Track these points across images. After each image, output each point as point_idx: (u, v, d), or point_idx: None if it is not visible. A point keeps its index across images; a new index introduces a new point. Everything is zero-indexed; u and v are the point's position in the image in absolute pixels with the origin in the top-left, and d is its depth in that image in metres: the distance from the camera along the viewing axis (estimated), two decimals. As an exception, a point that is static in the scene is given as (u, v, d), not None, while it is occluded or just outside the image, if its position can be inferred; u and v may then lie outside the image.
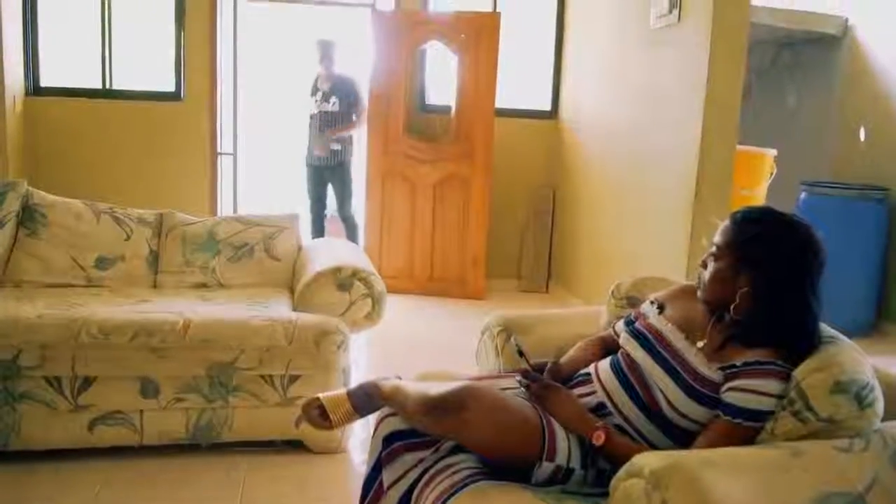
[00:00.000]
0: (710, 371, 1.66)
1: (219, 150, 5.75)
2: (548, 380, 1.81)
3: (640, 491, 1.37)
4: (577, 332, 2.15)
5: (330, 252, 3.35)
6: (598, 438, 1.63)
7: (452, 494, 1.59)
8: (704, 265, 1.78)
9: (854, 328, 3.64)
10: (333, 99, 5.68)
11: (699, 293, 1.79)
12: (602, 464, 1.66)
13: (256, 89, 7.36)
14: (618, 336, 1.92)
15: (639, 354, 1.78)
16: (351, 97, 5.72)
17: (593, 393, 1.79)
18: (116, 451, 2.76)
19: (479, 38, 5.43)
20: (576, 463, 1.64)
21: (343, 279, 3.00)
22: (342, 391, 2.00)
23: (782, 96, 6.02)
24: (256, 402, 2.80)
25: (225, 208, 5.88)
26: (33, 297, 2.95)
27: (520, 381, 1.81)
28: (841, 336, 1.68)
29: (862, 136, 5.35)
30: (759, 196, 4.73)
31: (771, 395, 1.57)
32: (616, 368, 1.80)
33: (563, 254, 5.81)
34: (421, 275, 5.65)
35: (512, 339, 2.07)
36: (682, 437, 1.67)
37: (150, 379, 2.71)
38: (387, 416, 1.87)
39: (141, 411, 2.73)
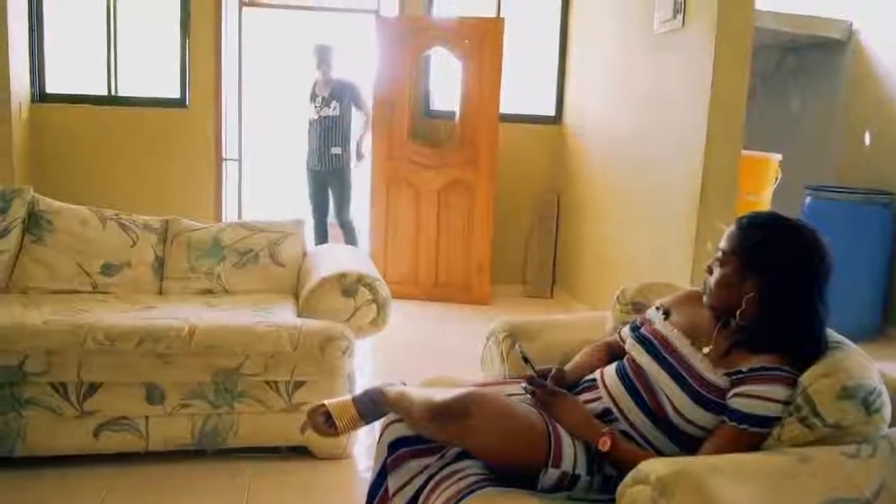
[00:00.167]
0: (716, 377, 1.66)
1: (224, 156, 5.77)
2: (553, 386, 1.80)
3: (646, 497, 1.36)
4: (583, 338, 2.15)
5: (335, 258, 3.35)
6: (604, 444, 1.63)
7: (458, 501, 1.59)
8: (710, 271, 1.78)
9: (860, 333, 3.63)
10: (334, 104, 5.69)
11: (705, 299, 1.79)
12: (608, 470, 1.65)
13: (261, 95, 7.39)
14: (623, 342, 1.92)
15: (644, 360, 1.78)
16: (353, 100, 5.73)
17: (599, 399, 1.79)
18: (122, 457, 2.76)
19: (482, 43, 5.44)
20: (582, 469, 1.64)
21: (348, 285, 3.00)
22: (347, 397, 2.01)
23: (787, 101, 6.01)
24: (262, 408, 2.80)
25: (230, 214, 5.89)
26: (39, 304, 2.95)
27: (525, 388, 1.81)
28: (847, 341, 1.68)
29: (867, 141, 5.34)
30: (764, 201, 4.72)
31: (777, 401, 1.56)
32: (622, 374, 1.80)
33: (567, 259, 5.81)
34: (425, 280, 5.65)
35: (517, 345, 2.06)
36: (688, 443, 1.67)
37: (155, 385, 2.71)
38: (392, 422, 1.87)
39: (146, 417, 2.73)
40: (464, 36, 5.47)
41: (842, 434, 1.51)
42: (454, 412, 1.63)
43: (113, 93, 5.56)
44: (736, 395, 1.61)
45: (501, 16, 5.74)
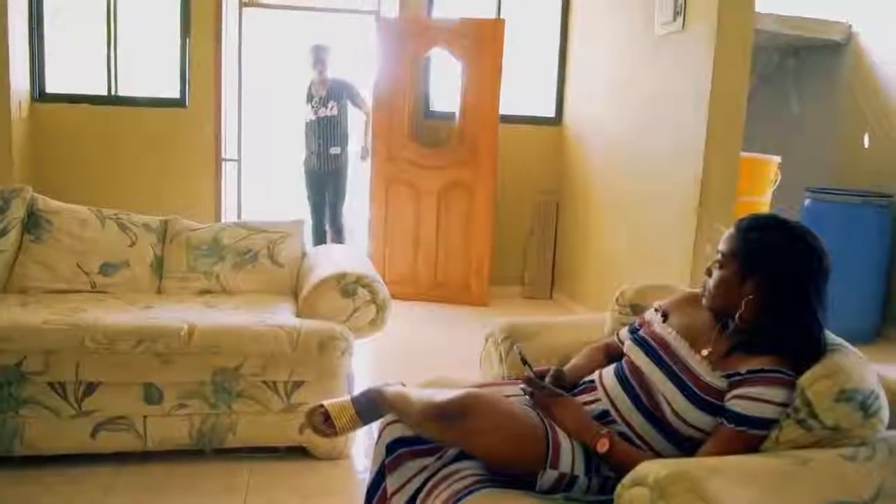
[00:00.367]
0: (714, 379, 1.66)
1: (223, 157, 5.77)
2: (552, 387, 1.80)
3: (644, 499, 1.37)
4: (581, 340, 2.15)
5: (334, 259, 3.35)
6: (603, 446, 1.63)
7: (456, 501, 1.59)
8: (709, 273, 1.78)
9: (858, 335, 3.63)
10: (331, 103, 5.69)
11: (704, 301, 1.79)
12: (606, 471, 1.65)
13: (260, 95, 7.38)
14: (622, 343, 1.92)
15: (643, 362, 1.78)
16: (351, 99, 5.73)
17: (597, 400, 1.79)
18: (120, 456, 2.76)
19: (483, 44, 5.44)
20: (580, 470, 1.64)
21: (347, 285, 3.00)
22: (346, 398, 2.01)
23: (787, 102, 6.02)
24: (260, 408, 2.80)
25: (229, 214, 5.89)
26: (38, 303, 2.95)
27: (524, 389, 1.81)
28: (846, 344, 1.68)
29: (866, 143, 5.34)
30: (763, 203, 4.73)
31: (776, 404, 1.56)
32: (620, 376, 1.80)
33: (566, 261, 5.81)
34: (424, 281, 5.65)
35: (515, 346, 2.06)
36: (686, 445, 1.67)
37: (153, 385, 2.71)
38: (391, 422, 1.87)
39: (145, 417, 2.73)
40: (464, 37, 5.47)
41: (840, 436, 1.51)
42: (453, 413, 1.63)
43: (113, 92, 5.55)
44: (734, 397, 1.61)
45: (502, 17, 5.74)
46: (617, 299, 2.26)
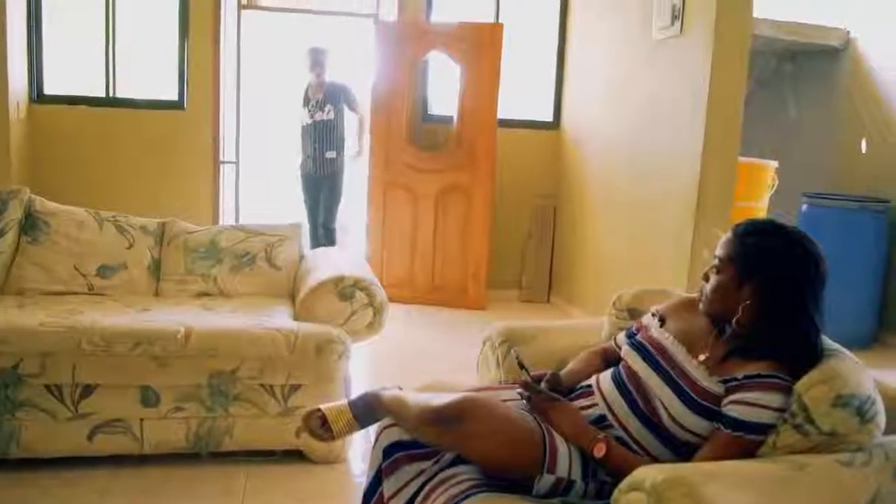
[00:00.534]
0: (711, 384, 1.66)
1: (221, 159, 5.77)
2: (549, 392, 1.80)
3: (641, 504, 1.37)
4: (579, 344, 2.15)
5: (331, 262, 3.35)
6: (600, 450, 1.63)
7: (453, 506, 1.59)
8: (707, 278, 1.78)
9: (855, 340, 3.64)
10: (328, 107, 5.68)
11: (701, 306, 1.79)
12: (603, 476, 1.65)
13: (259, 98, 7.38)
14: (619, 348, 1.92)
15: (640, 367, 1.78)
16: (347, 103, 5.72)
17: (594, 405, 1.79)
18: (116, 459, 2.75)
19: (481, 48, 5.44)
20: (577, 475, 1.64)
21: (344, 289, 3.00)
22: (343, 402, 2.01)
23: (784, 107, 6.03)
24: (257, 411, 2.80)
25: (227, 217, 5.89)
26: (35, 305, 2.95)
27: (521, 393, 1.81)
28: (843, 349, 1.68)
29: (863, 148, 5.35)
30: (760, 208, 4.74)
31: (772, 409, 1.57)
32: (617, 380, 1.80)
33: (564, 264, 5.81)
34: (422, 285, 5.65)
35: (513, 350, 2.07)
36: (683, 450, 1.67)
37: (150, 388, 2.71)
38: (388, 426, 1.87)
39: (141, 420, 2.73)
40: (463, 41, 5.47)
41: (836, 442, 1.51)
42: (449, 417, 1.63)
43: (111, 94, 5.55)
44: (731, 402, 1.61)
45: (500, 21, 5.75)
46: (614, 303, 2.26)
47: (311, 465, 2.87)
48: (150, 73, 5.71)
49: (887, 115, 5.18)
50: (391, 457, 1.81)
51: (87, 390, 2.66)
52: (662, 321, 1.87)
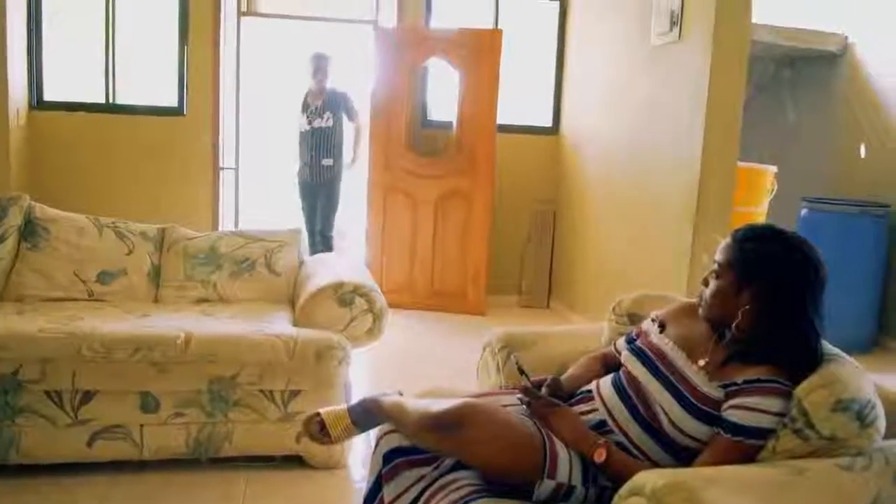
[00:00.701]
0: (711, 389, 1.66)
1: (221, 165, 5.77)
2: (549, 397, 1.80)
3: (641, 509, 1.36)
4: (579, 349, 2.15)
5: (331, 268, 3.35)
6: (600, 456, 1.63)
7: (453, 512, 1.59)
8: (706, 283, 1.78)
9: (855, 345, 3.64)
10: (327, 114, 5.66)
11: (701, 311, 1.79)
12: (603, 481, 1.65)
13: (258, 104, 7.39)
14: (619, 353, 1.92)
15: (640, 372, 1.78)
16: (346, 111, 5.72)
17: (595, 410, 1.79)
18: (116, 465, 2.75)
19: (480, 54, 5.45)
20: (577, 480, 1.64)
21: (344, 295, 3.00)
22: (343, 407, 2.01)
23: (783, 112, 6.04)
24: (257, 417, 2.80)
25: (226, 223, 5.89)
26: (35, 312, 2.95)
27: (521, 399, 1.81)
28: (842, 353, 1.68)
29: (862, 153, 5.36)
30: (759, 213, 4.74)
31: (772, 413, 1.57)
32: (617, 386, 1.80)
33: (563, 270, 5.81)
34: (422, 290, 5.65)
35: (512, 356, 2.07)
36: (683, 455, 1.67)
37: (150, 393, 2.71)
38: (388, 432, 1.87)
39: (141, 426, 2.72)
40: (462, 47, 5.48)
41: (836, 446, 1.51)
42: (449, 423, 1.63)
43: (111, 100, 5.56)
44: (731, 406, 1.61)
45: (499, 27, 5.76)
46: (614, 309, 2.26)
47: (311, 470, 2.87)
48: (150, 80, 5.72)
49: (886, 121, 5.19)
50: (391, 462, 1.81)
51: (87, 396, 2.66)
52: (662, 326, 1.87)
